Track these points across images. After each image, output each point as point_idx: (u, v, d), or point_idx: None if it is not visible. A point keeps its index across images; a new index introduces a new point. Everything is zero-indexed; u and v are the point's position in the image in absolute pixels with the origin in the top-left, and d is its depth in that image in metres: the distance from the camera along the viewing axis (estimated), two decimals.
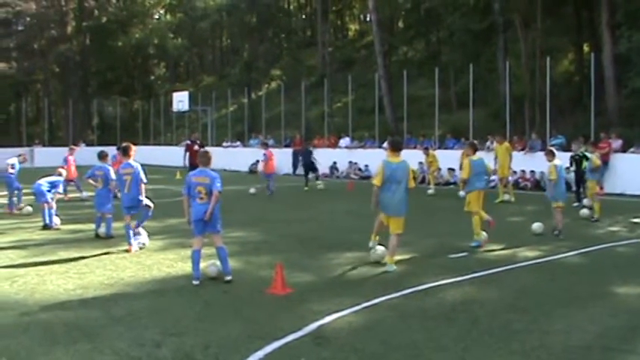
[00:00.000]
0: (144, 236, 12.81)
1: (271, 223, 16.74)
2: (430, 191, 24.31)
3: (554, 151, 14.28)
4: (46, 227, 15.32)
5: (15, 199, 18.83)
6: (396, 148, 10.67)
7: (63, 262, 11.36)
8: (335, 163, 34.84)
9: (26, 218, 17.54)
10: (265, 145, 26.91)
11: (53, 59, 62.60)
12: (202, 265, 9.96)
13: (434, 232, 14.93)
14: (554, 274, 10.36)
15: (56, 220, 15.66)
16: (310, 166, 27.99)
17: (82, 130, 59.40)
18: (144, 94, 63.98)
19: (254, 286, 9.46)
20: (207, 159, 10.09)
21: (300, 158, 28.66)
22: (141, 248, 12.53)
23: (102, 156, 14.31)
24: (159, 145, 51.97)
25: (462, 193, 23.30)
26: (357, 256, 11.63)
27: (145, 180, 12.61)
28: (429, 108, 34.29)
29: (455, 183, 26.60)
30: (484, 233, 12.78)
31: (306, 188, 26.63)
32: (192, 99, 46.11)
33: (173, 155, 44.54)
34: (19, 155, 19.27)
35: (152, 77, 69.47)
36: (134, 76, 68.10)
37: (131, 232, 12.40)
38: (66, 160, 21.94)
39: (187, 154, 24.08)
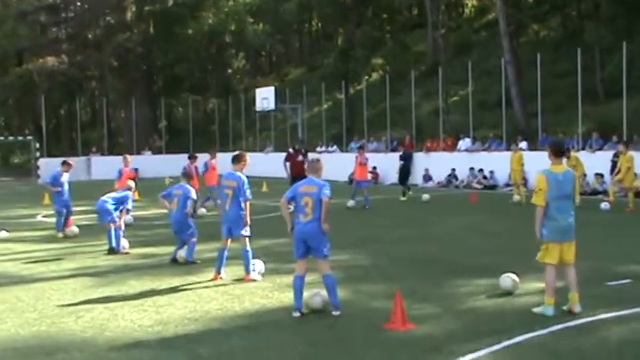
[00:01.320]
0: (258, 263, 12.93)
1: (379, 243, 16.87)
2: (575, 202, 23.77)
3: None
4: (112, 251, 15.83)
5: (62, 218, 19.37)
6: (559, 153, 10.27)
7: (136, 293, 11.70)
8: (453, 170, 34.61)
9: (84, 241, 18.13)
10: (361, 149, 27.57)
11: (110, 51, 63.67)
12: (305, 294, 10.05)
13: (584, 254, 14.51)
14: None
15: (124, 243, 16.17)
16: (407, 174, 28.81)
17: (147, 136, 61.33)
18: (220, 92, 65.41)
19: (367, 321, 9.47)
20: (317, 168, 10.34)
21: (401, 163, 28.89)
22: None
23: (185, 175, 14.93)
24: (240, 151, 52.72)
25: (605, 204, 23.41)
26: (489, 284, 11.48)
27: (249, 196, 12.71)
28: (570, 100, 33.64)
29: (604, 192, 25.88)
30: None
31: (403, 198, 27.57)
32: (277, 96, 46.82)
33: (257, 163, 45.23)
34: (64, 163, 19.68)
35: (229, 71, 70.65)
36: (208, 70, 69.32)
37: (249, 255, 12.56)
38: (121, 173, 22.39)
39: (288, 164, 24.59)
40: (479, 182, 32.74)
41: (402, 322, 9.11)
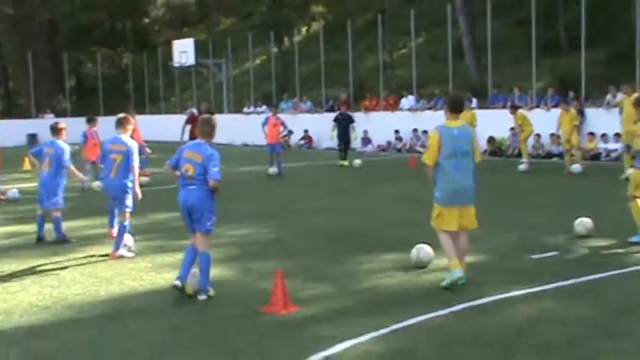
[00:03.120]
0: (128, 237, 12.72)
1: (293, 214, 16.81)
2: (522, 166, 24.04)
3: None
4: None
5: None
6: (456, 108, 10.23)
7: None
8: (397, 132, 34.60)
9: None
10: (274, 109, 28.40)
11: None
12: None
13: (517, 224, 14.61)
14: None
15: None
16: (346, 137, 28.68)
17: (50, 96, 60.13)
18: (136, 46, 64.06)
19: (247, 304, 9.30)
20: (210, 128, 9.97)
21: (336, 124, 28.65)
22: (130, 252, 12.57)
23: (56, 129, 14.22)
24: (158, 114, 52.44)
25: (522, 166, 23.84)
26: (399, 259, 11.41)
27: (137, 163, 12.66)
28: (525, 52, 33.68)
29: (560, 155, 26.00)
30: None
31: (344, 163, 27.59)
32: (199, 49, 46.26)
33: (176, 127, 44.72)
34: None
35: (146, 20, 69.59)
36: (121, 20, 67.87)
37: (124, 230, 12.40)
38: (86, 136, 22.12)
39: (188, 127, 24.38)
40: (423, 145, 32.57)
41: (284, 305, 8.94)
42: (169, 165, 10.11)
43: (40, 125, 44.99)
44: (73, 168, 14.08)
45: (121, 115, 13.10)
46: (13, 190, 20.80)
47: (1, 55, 60.72)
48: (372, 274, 10.70)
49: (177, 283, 9.68)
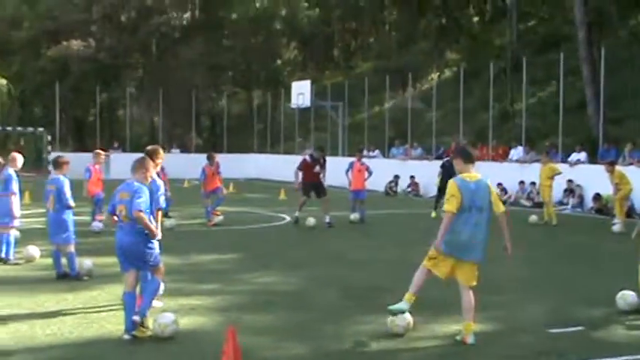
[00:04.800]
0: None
1: (333, 264, 16.30)
2: (616, 227, 22.63)
3: None
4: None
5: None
6: (468, 159, 10.08)
7: None
8: (500, 184, 33.46)
9: None
10: (358, 153, 27.58)
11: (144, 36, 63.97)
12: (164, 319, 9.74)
13: (558, 290, 13.60)
14: None
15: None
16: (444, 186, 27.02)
17: (183, 134, 61.50)
18: (268, 85, 64.58)
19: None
20: (136, 168, 10.01)
21: (441, 171, 27.30)
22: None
23: (58, 164, 13.99)
24: (277, 153, 52.95)
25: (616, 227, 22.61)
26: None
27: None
28: None
29: None
30: None
31: (433, 214, 26.03)
32: (314, 91, 46.26)
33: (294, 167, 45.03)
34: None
35: (279, 62, 70.53)
36: (253, 61, 68.41)
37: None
38: (89, 171, 21.91)
39: (300, 173, 24.12)
40: (528, 198, 31.40)
41: None
42: (108, 212, 10.24)
43: (167, 159, 45.75)
44: (72, 204, 13.79)
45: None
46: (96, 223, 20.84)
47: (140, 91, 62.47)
48: (352, 337, 10.10)
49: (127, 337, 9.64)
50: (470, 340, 9.60)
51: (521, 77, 38.01)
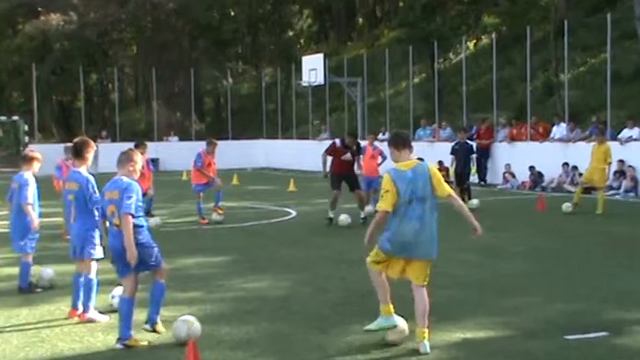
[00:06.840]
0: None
1: (333, 266, 16.30)
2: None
3: None
4: None
5: None
6: (401, 145, 10.16)
7: None
8: (532, 168, 33.29)
9: None
10: (371, 136, 27.10)
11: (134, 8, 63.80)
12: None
13: (584, 289, 13.48)
14: None
15: None
16: (466, 172, 27.60)
17: (182, 119, 61.64)
18: (278, 61, 64.16)
19: None
20: (123, 162, 10.11)
21: (453, 158, 27.50)
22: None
23: (26, 159, 13.67)
24: (289, 138, 52.82)
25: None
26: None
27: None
28: None
29: None
30: None
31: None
32: (328, 66, 46.08)
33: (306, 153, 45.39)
34: None
35: (290, 33, 70.43)
36: (260, 33, 68.45)
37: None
38: (60, 169, 21.08)
39: (329, 158, 23.58)
40: (572, 183, 31.07)
41: None
42: (100, 217, 10.56)
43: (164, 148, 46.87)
44: (29, 208, 13.19)
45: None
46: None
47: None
48: (349, 349, 10.19)
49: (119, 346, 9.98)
50: (423, 349, 9.62)
51: (570, 43, 37.33)
